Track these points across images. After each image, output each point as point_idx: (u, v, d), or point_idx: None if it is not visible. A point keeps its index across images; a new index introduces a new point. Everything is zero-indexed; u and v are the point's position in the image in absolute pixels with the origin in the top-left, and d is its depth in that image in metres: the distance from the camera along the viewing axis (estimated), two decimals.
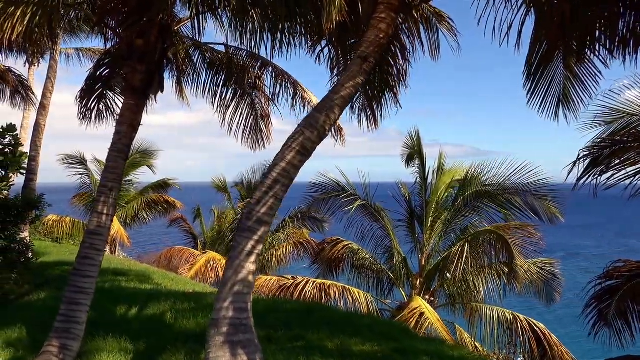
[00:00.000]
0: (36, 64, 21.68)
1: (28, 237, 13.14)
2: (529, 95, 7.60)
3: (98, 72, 9.01)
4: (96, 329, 7.17)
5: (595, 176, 6.38)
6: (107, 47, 8.87)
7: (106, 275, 13.15)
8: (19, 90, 17.88)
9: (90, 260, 6.72)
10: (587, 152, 6.37)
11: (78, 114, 9.77)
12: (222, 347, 4.47)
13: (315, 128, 4.86)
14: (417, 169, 15.10)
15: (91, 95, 9.52)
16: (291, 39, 6.55)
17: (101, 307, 8.39)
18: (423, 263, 14.15)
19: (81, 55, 22.56)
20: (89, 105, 9.66)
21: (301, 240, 19.36)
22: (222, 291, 4.66)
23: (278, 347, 5.95)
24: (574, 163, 6.41)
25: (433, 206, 14.42)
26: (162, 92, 7.59)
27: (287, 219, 19.59)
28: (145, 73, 7.17)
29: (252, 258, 4.78)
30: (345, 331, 6.62)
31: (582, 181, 6.32)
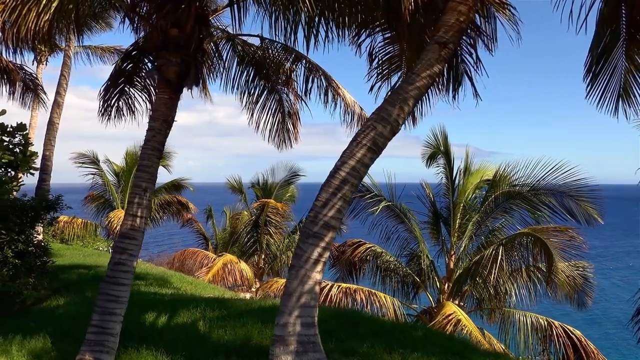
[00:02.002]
0: (44, 63, 21.25)
1: (44, 240, 12.66)
2: (588, 88, 7.19)
3: (123, 65, 8.54)
4: (126, 338, 6.67)
5: None
6: (134, 39, 8.38)
7: None
8: (30, 87, 17.43)
9: (124, 266, 6.24)
10: None
11: (99, 111, 9.33)
12: None
13: (388, 122, 4.36)
14: (442, 169, 14.59)
15: (114, 90, 9.07)
16: (340, 21, 6.06)
17: (127, 314, 7.92)
18: (451, 266, 13.64)
19: (90, 53, 22.08)
20: (110, 102, 9.22)
21: None
22: (287, 304, 4.16)
23: None
24: None
25: (460, 207, 13.92)
26: (197, 85, 7.10)
27: (304, 220, 19.06)
28: (181, 65, 6.69)
29: (319, 267, 4.28)
30: (401, 344, 6.10)
31: None
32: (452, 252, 13.75)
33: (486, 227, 13.48)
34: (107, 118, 9.30)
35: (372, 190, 14.08)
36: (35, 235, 10.99)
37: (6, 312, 9.70)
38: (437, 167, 14.78)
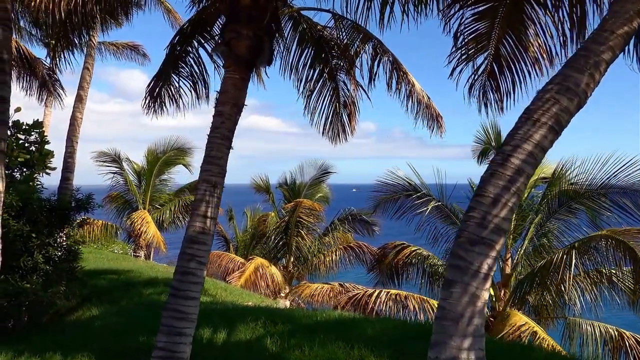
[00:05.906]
0: (58, 59, 20.28)
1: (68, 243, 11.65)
2: None
3: (173, 48, 7.56)
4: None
5: None
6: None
7: (157, 286, 11.72)
8: (47, 82, 16.51)
9: (193, 276, 5.25)
10: None
11: (144, 104, 8.38)
12: None
13: (576, 94, 3.34)
14: None
15: (158, 79, 8.12)
16: None
17: None
18: (507, 271, 12.59)
19: (103, 49, 21.14)
20: (154, 92, 8.27)
21: (351, 245, 17.83)
22: (453, 332, 3.14)
23: None
24: None
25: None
26: (269, 64, 6.11)
27: (336, 221, 18.05)
28: (253, 39, 5.70)
29: (488, 283, 3.28)
30: None
31: None
32: (508, 256, 12.72)
33: (547, 228, 12.45)
34: (152, 111, 8.38)
35: (420, 190, 13.07)
36: (64, 238, 10.02)
37: (36, 323, 8.74)
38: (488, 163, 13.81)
